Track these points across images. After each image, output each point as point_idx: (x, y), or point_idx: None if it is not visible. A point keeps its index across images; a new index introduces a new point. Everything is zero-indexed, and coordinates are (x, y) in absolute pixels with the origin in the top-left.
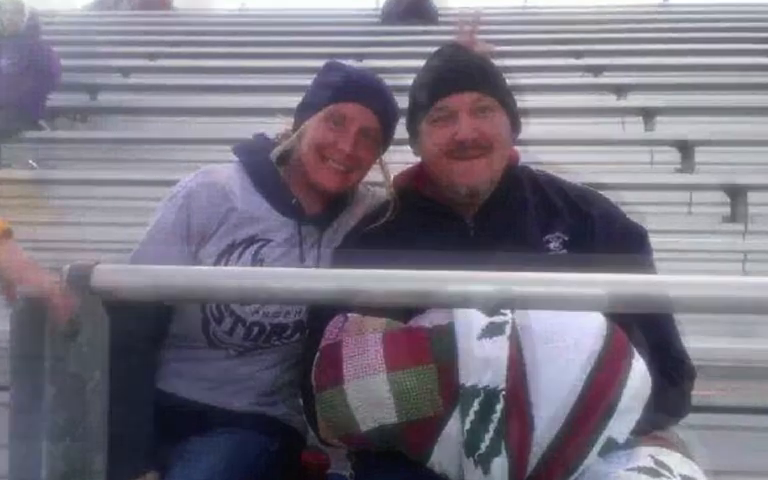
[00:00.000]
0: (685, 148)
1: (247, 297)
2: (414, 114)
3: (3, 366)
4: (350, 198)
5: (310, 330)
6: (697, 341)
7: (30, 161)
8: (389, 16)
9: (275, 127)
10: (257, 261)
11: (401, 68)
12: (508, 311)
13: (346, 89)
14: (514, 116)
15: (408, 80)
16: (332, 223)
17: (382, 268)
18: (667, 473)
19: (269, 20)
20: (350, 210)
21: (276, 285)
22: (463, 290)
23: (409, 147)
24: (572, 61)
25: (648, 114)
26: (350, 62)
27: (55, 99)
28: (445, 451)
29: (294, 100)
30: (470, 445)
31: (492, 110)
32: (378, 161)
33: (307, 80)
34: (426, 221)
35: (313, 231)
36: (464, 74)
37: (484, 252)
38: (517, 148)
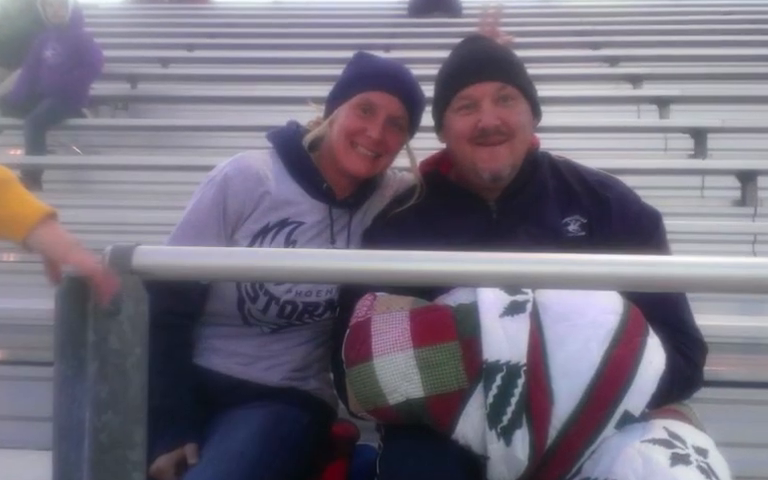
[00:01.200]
0: (698, 135)
1: (280, 277)
2: (439, 103)
3: (48, 342)
4: (378, 182)
5: (340, 308)
6: (709, 318)
7: (74, 147)
8: (415, 9)
9: (307, 115)
10: (290, 243)
11: (427, 59)
12: (529, 290)
13: (374, 79)
14: (534, 104)
15: (433, 70)
16: (361, 206)
17: (409, 249)
18: (680, 444)
19: (301, 13)
20: (378, 194)
21: (308, 265)
22: (486, 270)
23: (434, 134)
24: (590, 52)
25: (663, 103)
26: (378, 53)
27: (97, 88)
28: (469, 424)
29: (324, 89)
30: (493, 418)
31: (513, 99)
32: (405, 147)
33: (337, 70)
34: (451, 204)
35: (343, 214)
36: (486, 64)
37: (506, 234)
38: (537, 135)
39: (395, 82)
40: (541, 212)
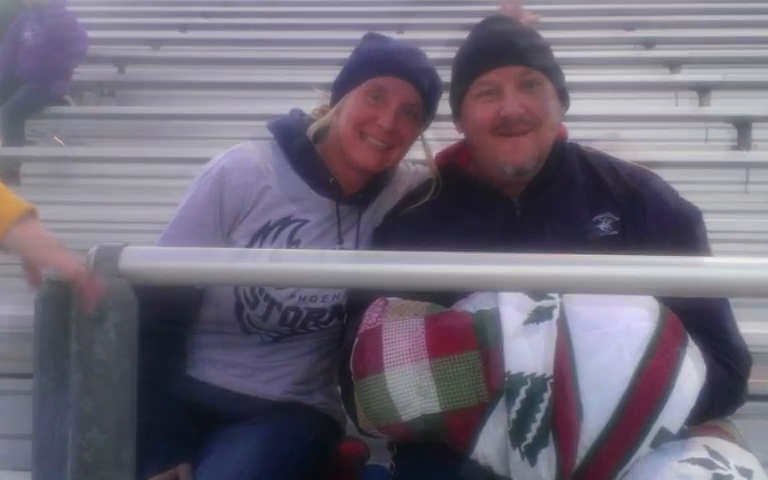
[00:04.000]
0: (742, 125)
1: (282, 280)
2: (457, 89)
3: (27, 353)
4: (390, 176)
5: (349, 314)
6: (754, 326)
7: (56, 137)
8: None
9: (312, 102)
10: (293, 242)
11: (443, 40)
12: (556, 295)
13: (386, 63)
14: (562, 90)
15: (451, 53)
16: (372, 203)
17: (424, 249)
18: (722, 464)
19: None
20: (391, 189)
21: (313, 267)
22: (508, 273)
23: (452, 124)
24: (623, 33)
25: (703, 89)
26: (391, 34)
27: (81, 73)
28: (490, 442)
29: (331, 74)
30: (516, 435)
31: (539, 84)
32: (419, 138)
33: (344, 53)
34: (470, 200)
35: (352, 211)
36: (509, 46)
37: (531, 233)
38: (565, 124)
39: (409, 66)
40: (569, 209)
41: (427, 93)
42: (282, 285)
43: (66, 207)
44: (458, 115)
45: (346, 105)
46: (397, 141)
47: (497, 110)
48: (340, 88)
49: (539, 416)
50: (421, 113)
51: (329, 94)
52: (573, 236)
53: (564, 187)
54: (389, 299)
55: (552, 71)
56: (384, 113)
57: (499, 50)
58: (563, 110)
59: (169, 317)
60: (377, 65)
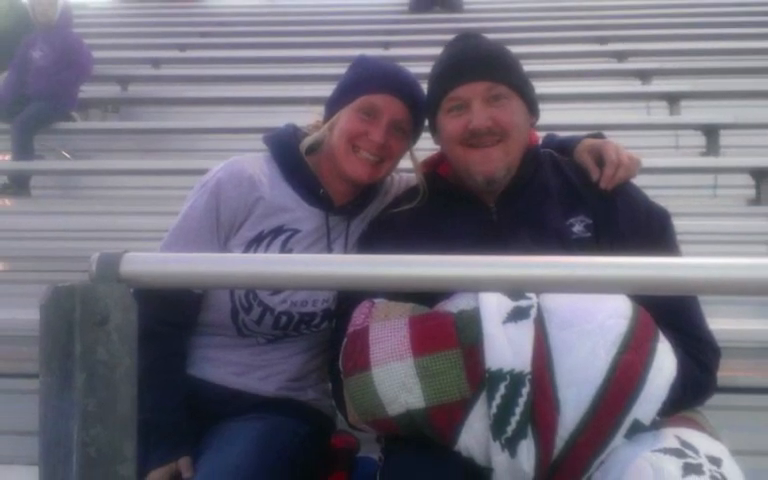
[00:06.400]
0: (710, 132)
1: (274, 283)
2: (431, 104)
3: (33, 354)
4: (379, 188)
5: (338, 316)
6: (722, 322)
7: (63, 152)
8: (416, 5)
9: (304, 117)
10: (285, 251)
11: (427, 56)
12: (533, 295)
13: (378, 81)
14: (531, 102)
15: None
16: (360, 213)
17: (407, 253)
18: (693, 453)
19: (297, 10)
20: (380, 200)
21: (302, 271)
22: (489, 274)
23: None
24: (596, 47)
25: (673, 99)
26: (377, 51)
27: (87, 90)
28: (472, 435)
29: (321, 89)
30: (497, 428)
31: (506, 97)
32: (409, 153)
33: (334, 70)
34: (450, 207)
35: (341, 221)
36: (476, 63)
37: (508, 236)
38: (538, 133)
39: (399, 84)
40: (544, 213)
41: (416, 110)
42: (274, 288)
43: (73, 217)
44: (434, 129)
45: (339, 120)
46: (388, 155)
47: (466, 123)
48: (334, 105)
49: (518, 410)
50: (410, 129)
51: (321, 110)
52: (548, 239)
53: (539, 192)
54: (375, 301)
55: (518, 85)
56: (376, 128)
57: (467, 67)
58: (533, 120)
59: (168, 320)
60: (370, 83)
